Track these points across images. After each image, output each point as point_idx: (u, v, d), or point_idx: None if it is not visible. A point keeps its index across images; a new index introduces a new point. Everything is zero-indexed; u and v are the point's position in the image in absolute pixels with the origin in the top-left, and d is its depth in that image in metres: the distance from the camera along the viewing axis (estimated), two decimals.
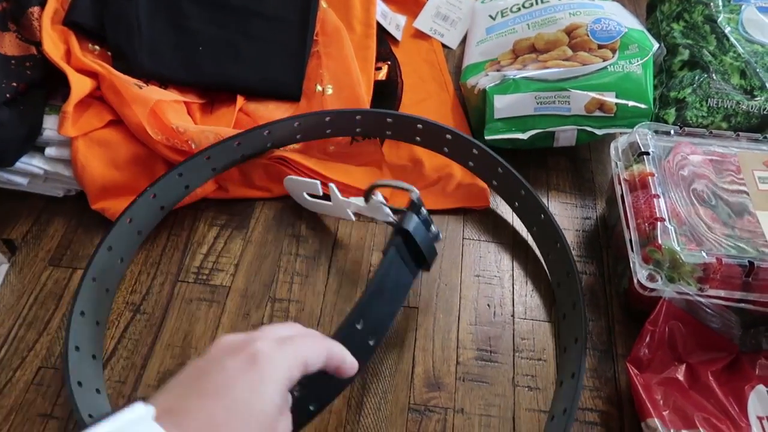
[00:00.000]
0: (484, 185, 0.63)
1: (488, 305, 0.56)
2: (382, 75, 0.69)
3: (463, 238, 0.61)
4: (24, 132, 0.56)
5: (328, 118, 0.59)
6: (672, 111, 0.65)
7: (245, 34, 0.66)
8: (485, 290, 0.57)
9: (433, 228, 0.49)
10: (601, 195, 0.65)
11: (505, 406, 0.50)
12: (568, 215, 0.63)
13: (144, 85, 0.60)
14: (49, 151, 0.58)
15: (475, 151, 0.59)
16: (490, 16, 0.72)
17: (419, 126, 0.60)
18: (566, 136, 0.64)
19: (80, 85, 0.57)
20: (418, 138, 0.61)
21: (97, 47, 0.62)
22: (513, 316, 0.56)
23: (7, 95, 0.56)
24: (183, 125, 0.57)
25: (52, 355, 0.52)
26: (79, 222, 0.60)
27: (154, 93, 0.59)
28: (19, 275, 0.56)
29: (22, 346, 0.52)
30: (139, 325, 0.54)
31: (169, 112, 0.59)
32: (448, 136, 0.59)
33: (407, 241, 0.46)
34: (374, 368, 0.52)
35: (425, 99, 0.71)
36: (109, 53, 0.62)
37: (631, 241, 0.51)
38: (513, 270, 0.59)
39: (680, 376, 0.48)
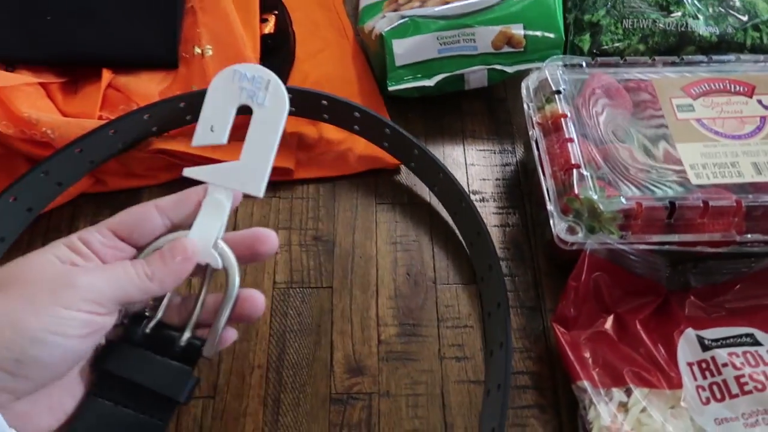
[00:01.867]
0: None
1: (408, 274, 0.52)
2: (269, 28, 0.61)
3: (376, 204, 0.56)
4: None
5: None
6: (587, 37, 0.61)
7: None
8: (403, 258, 0.53)
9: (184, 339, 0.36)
10: (520, 138, 0.61)
11: (433, 382, 0.47)
12: (486, 164, 0.59)
13: None
14: None
15: (387, 130, 0.53)
16: None
17: (324, 102, 0.53)
18: (476, 77, 0.58)
19: None
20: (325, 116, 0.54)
21: None
22: (435, 282, 0.52)
23: None
24: (36, 114, 0.50)
25: None
26: None
27: None
28: None
29: None
30: None
31: (18, 98, 0.51)
32: (357, 114, 0.53)
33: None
34: (289, 360, 0.48)
35: (322, 49, 0.64)
36: None
37: (548, 190, 0.48)
38: (431, 233, 0.55)
39: (609, 329, 0.46)
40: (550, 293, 0.51)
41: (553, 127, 0.49)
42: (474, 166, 0.59)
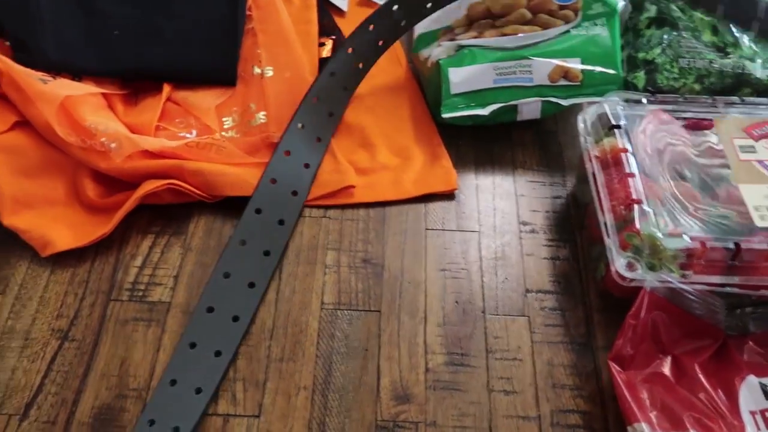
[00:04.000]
0: (449, 166, 0.58)
1: (456, 302, 0.52)
2: (327, 52, 0.62)
3: (425, 229, 0.56)
4: None
5: None
6: (641, 74, 0.61)
7: (167, 12, 0.58)
8: (452, 285, 0.53)
9: None
10: (571, 170, 0.60)
11: (481, 415, 0.46)
12: (537, 195, 0.59)
13: (51, 79, 0.52)
14: None
15: None
16: None
17: None
18: (530, 108, 0.59)
19: None
20: None
21: None
22: (484, 312, 0.51)
23: None
24: (97, 123, 0.50)
25: None
26: None
27: (62, 88, 0.51)
28: None
29: None
30: (68, 354, 0.48)
31: (83, 107, 0.52)
32: None
33: None
34: (336, 383, 0.47)
35: (376, 75, 0.64)
36: (8, 44, 0.54)
37: (606, 224, 0.47)
38: (481, 261, 0.54)
39: (666, 371, 0.44)
40: (601, 330, 0.50)
41: (612, 161, 0.48)
42: (524, 197, 0.59)
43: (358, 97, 0.63)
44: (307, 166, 0.55)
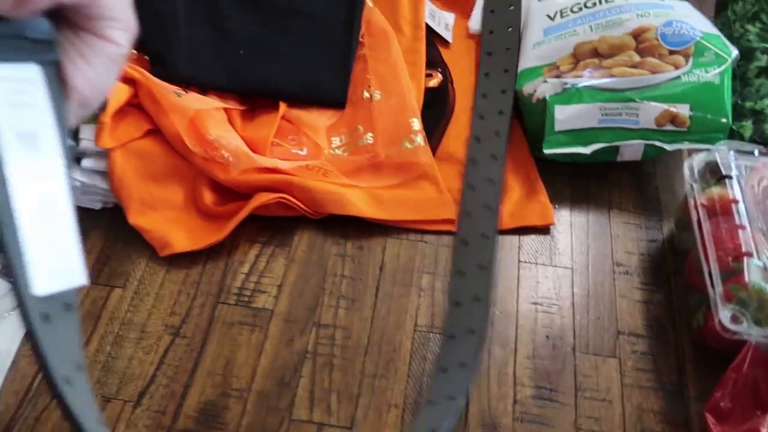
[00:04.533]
0: (546, 201, 0.59)
1: (547, 337, 0.53)
2: (434, 82, 0.65)
3: (519, 261, 0.57)
4: None
5: None
6: (748, 124, 0.60)
7: (288, 34, 0.62)
8: (544, 320, 0.53)
9: None
10: (668, 214, 0.60)
11: None
12: (632, 237, 0.59)
13: (183, 92, 0.57)
14: (86, 162, 0.55)
15: None
16: (548, 16, 0.67)
17: None
18: (632, 150, 0.59)
19: (118, 93, 0.54)
20: None
21: (134, 52, 0.59)
22: (574, 350, 0.52)
23: None
24: (220, 136, 0.54)
25: (89, 381, 0.49)
26: (117, 236, 0.57)
27: (193, 102, 0.55)
28: None
29: None
30: (179, 350, 0.51)
31: (209, 121, 0.56)
32: None
33: None
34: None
35: None
36: (147, 58, 0.59)
37: (710, 274, 0.47)
38: (573, 297, 0.55)
39: (764, 429, 0.44)
40: (694, 380, 0.50)
41: (720, 211, 0.48)
42: (619, 237, 0.59)
43: (457, 126, 0.64)
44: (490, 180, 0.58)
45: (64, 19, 0.26)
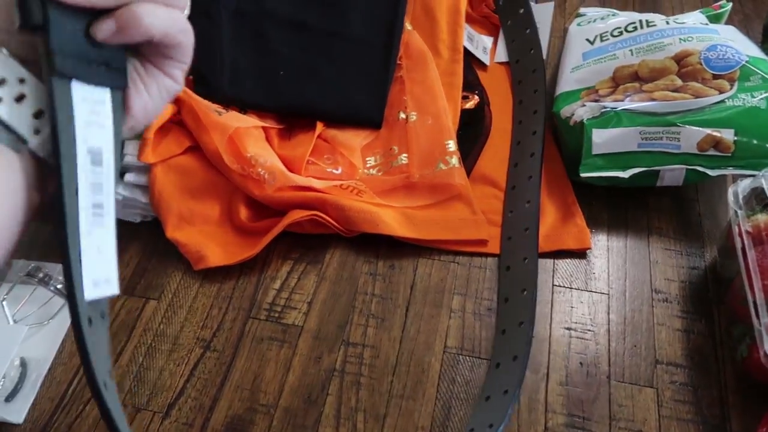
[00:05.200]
0: (583, 224, 0.58)
1: (581, 363, 0.51)
2: (470, 104, 0.65)
3: (553, 285, 0.56)
4: None
5: None
6: None
7: (327, 56, 0.63)
8: (577, 346, 0.52)
9: None
10: (710, 242, 0.58)
11: None
12: (672, 264, 0.57)
13: (224, 111, 0.58)
14: (129, 176, 0.57)
15: None
16: (588, 40, 0.66)
17: None
18: (673, 175, 0.57)
19: (162, 111, 0.56)
20: None
21: None
22: (609, 378, 0.50)
23: None
24: (257, 154, 0.55)
25: (121, 390, 0.50)
26: (155, 250, 0.59)
27: (233, 120, 0.57)
28: None
29: None
30: (209, 363, 0.52)
31: (247, 139, 0.57)
32: None
33: None
34: (453, 428, 0.48)
35: (511, 128, 0.66)
36: (191, 77, 0.60)
37: (755, 304, 0.45)
38: (609, 324, 0.53)
39: None
40: (737, 413, 0.48)
41: (766, 239, 0.46)
42: (658, 264, 0.57)
43: (493, 148, 0.64)
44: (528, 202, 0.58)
45: (138, 51, 0.29)
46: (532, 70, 0.68)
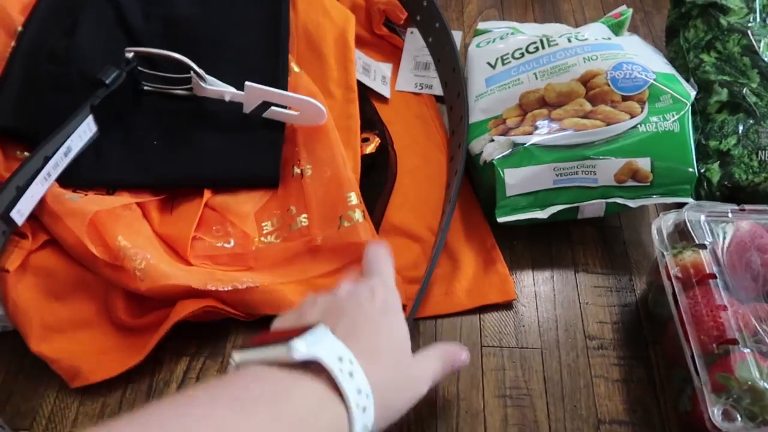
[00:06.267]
0: (505, 272, 0.53)
1: None
2: (371, 148, 0.59)
3: (482, 346, 0.51)
4: None
5: None
6: (715, 167, 0.55)
7: (205, 115, 0.55)
8: (515, 415, 0.47)
9: None
10: (639, 272, 0.55)
11: None
12: (603, 303, 0.53)
13: (83, 195, 0.50)
14: None
15: None
16: (489, 64, 0.61)
17: None
18: (593, 209, 0.54)
19: None
20: None
21: (26, 153, 0.52)
22: None
23: None
24: (127, 246, 0.47)
25: None
26: (21, 366, 0.49)
27: (92, 203, 0.49)
28: None
29: None
30: None
31: (114, 224, 0.49)
32: None
33: None
34: None
35: (421, 166, 0.60)
36: None
37: (694, 358, 0.41)
38: (545, 383, 0.49)
39: None
40: None
41: (697, 283, 0.43)
42: (589, 305, 0.53)
43: (404, 191, 0.59)
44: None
45: None
46: (457, 94, 0.62)
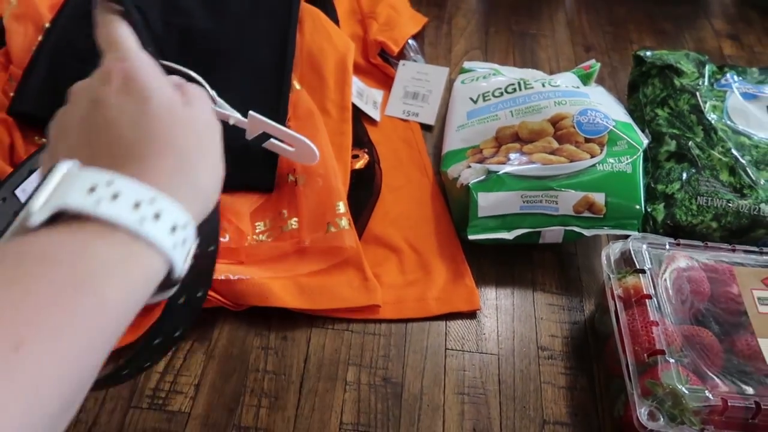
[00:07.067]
0: (472, 285, 0.59)
1: (474, 430, 0.52)
2: (360, 164, 0.65)
3: (446, 349, 0.57)
4: None
5: None
6: (660, 207, 0.63)
7: None
8: (471, 411, 0.53)
9: None
10: (589, 295, 0.62)
11: None
12: (555, 319, 0.60)
13: None
14: None
15: None
16: (471, 99, 0.69)
17: None
18: (553, 234, 0.60)
19: None
20: None
21: (44, 140, 0.56)
22: None
23: None
24: None
25: None
26: None
27: None
28: None
29: None
30: None
31: None
32: None
33: None
34: None
35: (403, 185, 0.67)
36: None
37: (627, 367, 0.48)
38: (500, 385, 0.55)
39: None
40: None
41: (635, 303, 0.50)
42: (543, 320, 0.60)
43: (386, 207, 0.64)
44: None
45: None
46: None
